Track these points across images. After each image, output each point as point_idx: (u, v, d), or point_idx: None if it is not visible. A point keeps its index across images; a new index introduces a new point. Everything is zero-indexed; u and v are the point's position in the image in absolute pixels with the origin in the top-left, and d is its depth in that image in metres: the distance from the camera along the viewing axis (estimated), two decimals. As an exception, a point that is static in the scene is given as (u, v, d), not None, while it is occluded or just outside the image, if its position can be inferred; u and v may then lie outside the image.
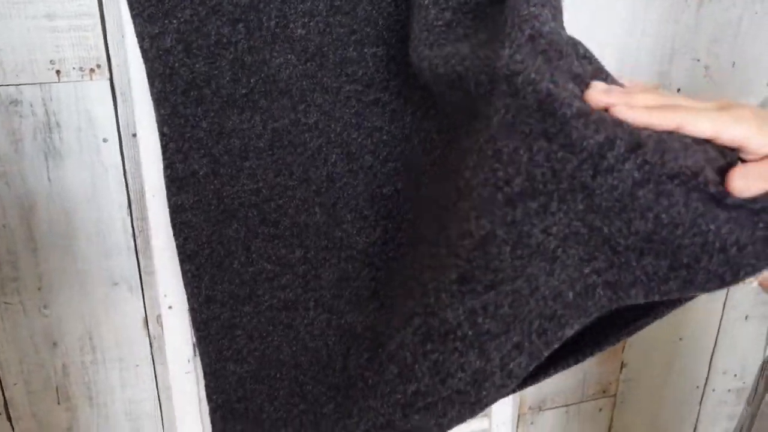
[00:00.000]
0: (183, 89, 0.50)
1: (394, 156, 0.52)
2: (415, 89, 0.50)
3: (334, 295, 0.55)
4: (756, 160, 0.33)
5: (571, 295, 0.34)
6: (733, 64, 0.72)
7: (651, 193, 0.31)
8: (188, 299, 0.57)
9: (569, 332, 0.35)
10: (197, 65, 0.50)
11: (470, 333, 0.37)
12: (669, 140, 0.32)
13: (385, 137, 0.52)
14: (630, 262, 0.33)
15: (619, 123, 0.32)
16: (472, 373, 0.37)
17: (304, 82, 0.51)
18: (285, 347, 0.57)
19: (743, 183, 0.31)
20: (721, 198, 0.31)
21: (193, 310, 0.57)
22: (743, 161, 0.33)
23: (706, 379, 0.94)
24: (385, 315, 0.50)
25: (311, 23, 0.50)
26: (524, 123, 0.34)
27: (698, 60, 0.71)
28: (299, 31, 0.50)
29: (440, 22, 0.43)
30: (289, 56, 0.50)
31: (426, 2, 0.44)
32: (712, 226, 0.31)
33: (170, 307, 0.62)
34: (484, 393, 0.37)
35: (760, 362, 0.93)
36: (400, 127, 0.52)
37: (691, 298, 0.34)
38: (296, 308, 0.57)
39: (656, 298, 0.33)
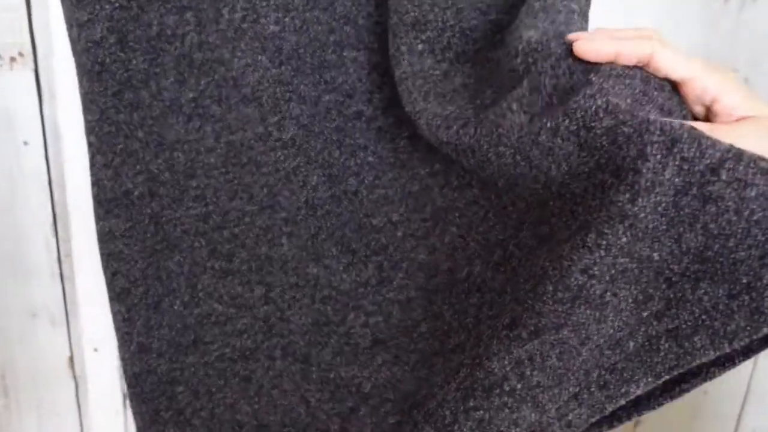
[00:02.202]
0: (115, 90, 0.44)
1: (383, 182, 0.47)
2: None
3: (311, 342, 0.49)
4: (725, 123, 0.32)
5: (631, 345, 0.33)
6: (776, 77, 0.67)
7: (695, 199, 0.29)
8: (118, 347, 0.49)
9: (636, 391, 0.33)
10: (134, 61, 0.43)
11: (519, 386, 0.35)
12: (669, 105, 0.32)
13: (370, 158, 0.46)
14: (686, 296, 0.31)
15: (638, 116, 0.30)
16: (528, 426, 0.36)
17: (278, 89, 0.45)
18: (243, 405, 0.50)
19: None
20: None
21: (123, 361, 0.49)
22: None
23: (732, 438, 0.89)
24: (409, 372, 0.46)
25: (286, 19, 0.44)
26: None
27: (737, 70, 0.66)
28: (271, 27, 0.44)
29: (437, 71, 0.40)
30: (260, 57, 0.44)
31: (420, 48, 0.41)
32: None
33: (96, 350, 0.53)
34: None
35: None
36: (390, 149, 0.46)
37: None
38: (256, 358, 0.50)
39: (726, 346, 0.30)
